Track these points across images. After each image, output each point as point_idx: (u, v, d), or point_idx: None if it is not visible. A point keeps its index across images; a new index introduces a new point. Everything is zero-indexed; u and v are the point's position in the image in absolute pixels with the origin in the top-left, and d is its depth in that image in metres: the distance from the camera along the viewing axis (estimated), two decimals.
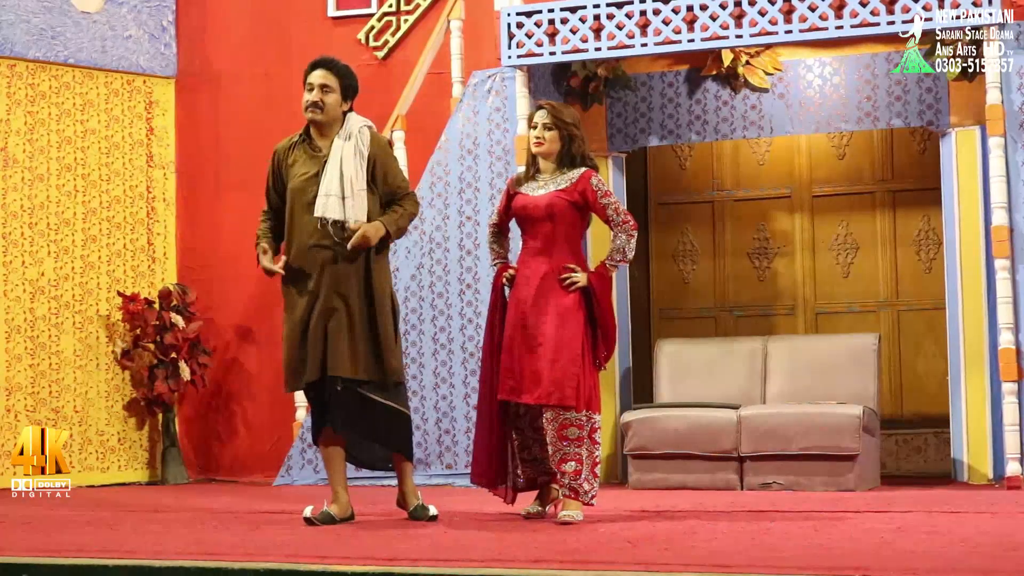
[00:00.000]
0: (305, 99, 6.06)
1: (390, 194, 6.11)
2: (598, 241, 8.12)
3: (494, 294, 6.18)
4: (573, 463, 5.86)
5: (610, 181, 8.81)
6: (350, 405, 6.01)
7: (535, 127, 6.08)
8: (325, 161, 6.03)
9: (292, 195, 6.07)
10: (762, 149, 9.54)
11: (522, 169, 6.28)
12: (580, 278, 5.95)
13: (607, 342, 6.00)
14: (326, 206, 5.96)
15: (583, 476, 5.88)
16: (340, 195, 5.97)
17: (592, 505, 5.95)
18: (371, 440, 6.15)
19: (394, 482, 6.31)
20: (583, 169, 6.05)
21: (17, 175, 9.19)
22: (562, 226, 6.00)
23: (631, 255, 6.05)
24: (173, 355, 9.34)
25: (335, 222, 5.97)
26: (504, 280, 6.14)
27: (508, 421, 6.07)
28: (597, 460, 5.94)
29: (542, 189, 6.05)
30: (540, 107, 6.13)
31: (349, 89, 6.11)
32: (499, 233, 6.27)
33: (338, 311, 5.98)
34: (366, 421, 6.06)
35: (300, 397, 8.93)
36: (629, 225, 6.01)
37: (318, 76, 6.04)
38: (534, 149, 6.10)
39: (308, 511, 5.95)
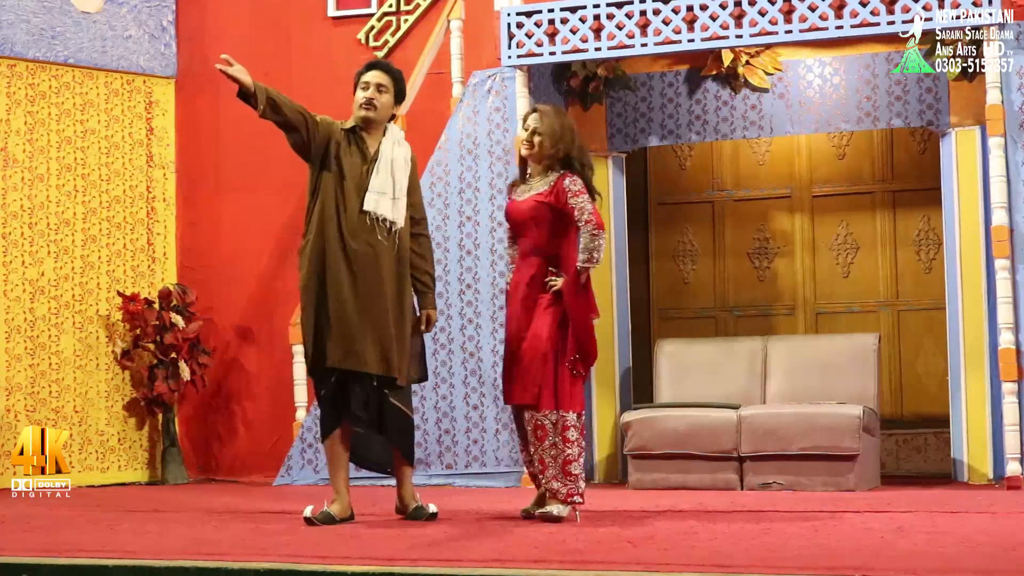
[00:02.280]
0: (360, 97, 6.09)
1: (410, 208, 6.17)
2: None
3: (506, 299, 6.29)
4: (547, 462, 5.89)
5: (610, 181, 8.82)
6: (372, 403, 6.05)
7: (527, 130, 6.11)
8: (374, 160, 6.07)
9: (335, 186, 6.05)
10: (762, 149, 9.54)
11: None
12: (558, 282, 5.98)
13: (579, 346, 5.97)
14: (378, 203, 6.02)
15: (550, 474, 5.89)
16: (392, 195, 6.05)
17: (577, 503, 5.93)
18: (384, 437, 6.17)
19: (394, 481, 6.32)
20: (557, 173, 6.06)
21: (17, 175, 9.19)
22: (545, 231, 6.02)
23: (598, 256, 5.95)
24: (173, 355, 9.33)
25: (383, 219, 6.01)
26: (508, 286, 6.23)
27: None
28: (569, 458, 5.89)
29: (527, 194, 6.10)
30: (534, 110, 6.16)
31: (400, 93, 6.22)
32: (511, 238, 6.29)
33: (374, 308, 6.00)
34: (382, 420, 6.10)
35: (300, 396, 8.94)
36: (591, 225, 5.94)
37: (374, 76, 6.11)
38: (523, 152, 6.14)
39: (308, 511, 5.95)
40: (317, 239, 6.04)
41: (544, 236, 6.03)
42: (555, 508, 5.86)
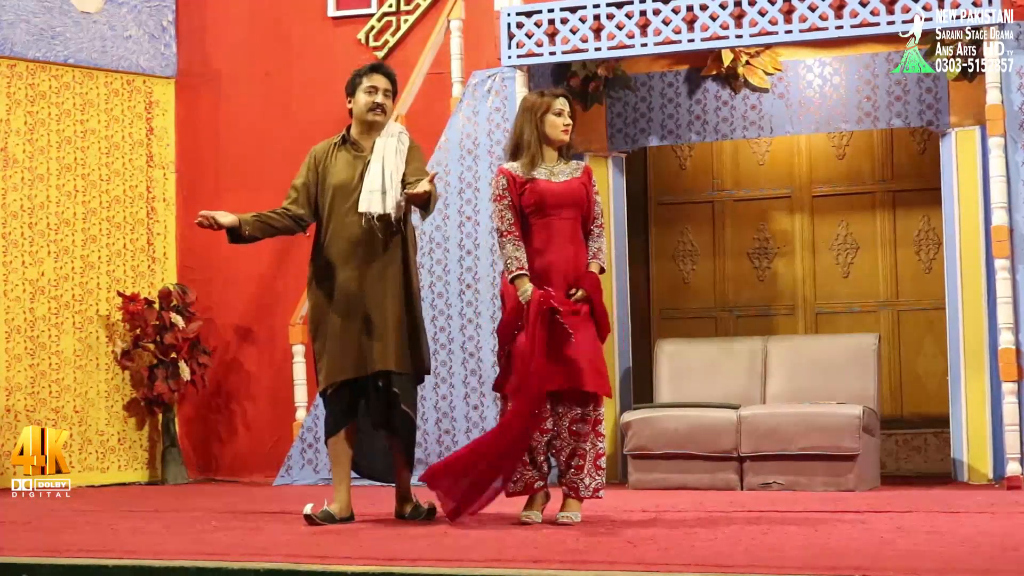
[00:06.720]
0: (368, 100, 6.11)
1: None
2: None
3: (533, 306, 5.75)
4: (578, 458, 5.84)
5: (610, 181, 8.83)
6: (381, 404, 6.07)
7: (559, 113, 5.95)
8: (368, 161, 6.08)
9: (333, 193, 6.10)
10: (762, 149, 9.54)
11: (514, 164, 5.99)
12: (580, 294, 5.86)
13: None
14: (370, 201, 6.01)
15: (585, 471, 5.85)
16: (381, 189, 6.03)
17: (599, 498, 5.90)
18: (390, 440, 6.17)
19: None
20: (584, 162, 6.03)
21: (17, 175, 9.19)
22: (582, 214, 5.97)
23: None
24: (173, 355, 9.34)
25: (380, 216, 6.00)
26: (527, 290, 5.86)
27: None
28: (600, 452, 5.88)
29: (561, 175, 5.96)
30: (562, 95, 6.01)
31: (396, 95, 6.30)
32: (517, 229, 5.91)
33: (380, 308, 6.01)
34: (391, 420, 6.11)
35: (300, 396, 8.95)
36: (603, 228, 6.03)
37: (382, 81, 6.14)
38: (563, 136, 5.97)
39: (308, 508, 5.95)
40: (319, 263, 6.10)
41: (582, 219, 5.95)
42: (572, 514, 5.80)
